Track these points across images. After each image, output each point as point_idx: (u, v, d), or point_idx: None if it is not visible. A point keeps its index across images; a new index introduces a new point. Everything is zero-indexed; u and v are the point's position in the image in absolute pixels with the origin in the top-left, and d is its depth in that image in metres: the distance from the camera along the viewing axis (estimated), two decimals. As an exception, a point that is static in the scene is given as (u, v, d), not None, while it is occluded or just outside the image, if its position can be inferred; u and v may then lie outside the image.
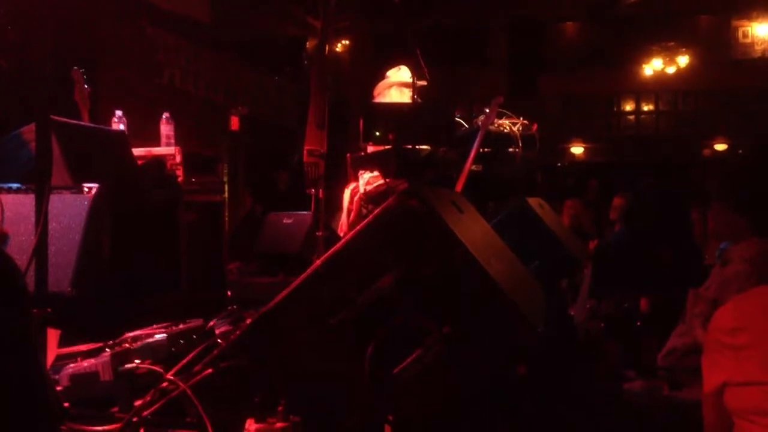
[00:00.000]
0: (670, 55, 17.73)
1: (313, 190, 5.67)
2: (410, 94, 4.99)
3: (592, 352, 3.59)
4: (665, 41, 17.67)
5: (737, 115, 18.78)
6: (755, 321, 1.79)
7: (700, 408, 1.97)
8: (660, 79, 18.33)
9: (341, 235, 5.14)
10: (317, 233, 5.28)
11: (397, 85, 5.18)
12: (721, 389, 1.82)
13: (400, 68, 5.27)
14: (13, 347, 1.24)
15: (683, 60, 17.85)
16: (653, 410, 2.60)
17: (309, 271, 2.51)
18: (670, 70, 17.89)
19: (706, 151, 19.77)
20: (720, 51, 18.96)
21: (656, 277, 4.17)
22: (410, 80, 4.97)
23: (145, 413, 2.47)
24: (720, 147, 19.64)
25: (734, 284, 2.61)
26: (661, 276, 4.11)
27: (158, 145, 5.14)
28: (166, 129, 5.20)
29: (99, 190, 3.78)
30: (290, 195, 9.91)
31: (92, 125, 4.74)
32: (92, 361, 2.73)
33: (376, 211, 2.51)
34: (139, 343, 2.84)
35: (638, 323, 3.90)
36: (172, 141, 5.18)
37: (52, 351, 2.94)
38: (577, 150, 20.93)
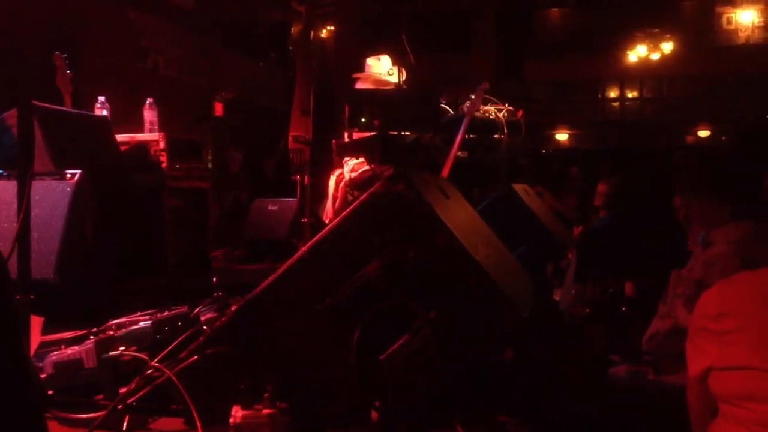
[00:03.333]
0: (654, 41, 17.78)
1: (298, 177, 5.64)
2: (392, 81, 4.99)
3: (577, 337, 3.60)
4: (650, 27, 17.72)
5: (721, 101, 18.87)
6: (740, 306, 1.79)
7: (684, 392, 1.98)
8: (644, 65, 18.39)
9: (327, 221, 5.12)
10: (303, 220, 5.26)
11: (374, 80, 5.18)
12: (705, 374, 1.82)
13: (380, 58, 5.25)
14: None
15: (667, 46, 17.90)
16: (638, 395, 2.61)
17: (295, 257, 2.50)
18: (655, 56, 17.94)
19: (690, 137, 19.87)
20: (704, 37, 19.01)
21: (641, 262, 4.19)
22: (388, 75, 4.97)
23: (131, 400, 2.46)
24: (703, 133, 19.74)
25: (718, 266, 2.62)
26: (646, 261, 4.13)
27: (142, 130, 5.10)
28: (149, 115, 5.16)
29: (82, 176, 3.75)
30: (276, 181, 9.90)
31: (75, 111, 4.69)
32: (76, 348, 2.71)
33: (362, 197, 2.51)
34: (123, 331, 2.83)
35: (623, 308, 3.92)
36: (156, 127, 5.14)
37: (36, 338, 2.91)
38: (562, 136, 20.98)
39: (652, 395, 2.62)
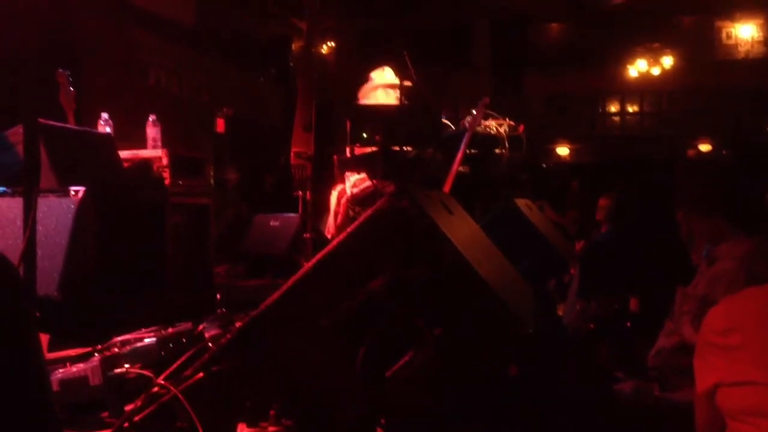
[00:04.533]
0: (654, 56, 17.85)
1: (300, 192, 5.66)
2: (396, 95, 4.98)
3: (582, 353, 3.59)
4: (649, 42, 17.80)
5: (721, 115, 18.91)
6: (747, 321, 1.80)
7: (691, 409, 1.97)
8: (644, 79, 18.45)
9: (329, 237, 5.13)
10: (305, 235, 5.27)
11: (382, 87, 5.18)
12: (713, 390, 1.82)
13: (383, 69, 5.27)
14: (18, 346, 1.22)
15: (667, 61, 17.97)
16: (644, 411, 2.61)
17: (299, 273, 2.50)
18: (655, 71, 18.00)
19: (691, 152, 19.90)
20: (704, 52, 19.08)
21: (645, 276, 4.19)
22: (395, 81, 4.96)
23: (136, 418, 2.45)
24: (704, 147, 19.77)
25: (723, 282, 2.62)
26: (649, 275, 4.13)
27: (145, 147, 5.11)
28: (152, 131, 5.17)
29: (85, 193, 3.76)
30: (277, 197, 9.91)
31: (78, 128, 4.71)
32: (81, 365, 2.70)
33: (366, 213, 2.51)
34: (128, 348, 2.82)
35: (628, 323, 3.92)
36: (159, 143, 5.16)
37: (40, 356, 2.91)
38: (563, 150, 21.01)
39: (658, 412, 2.61)
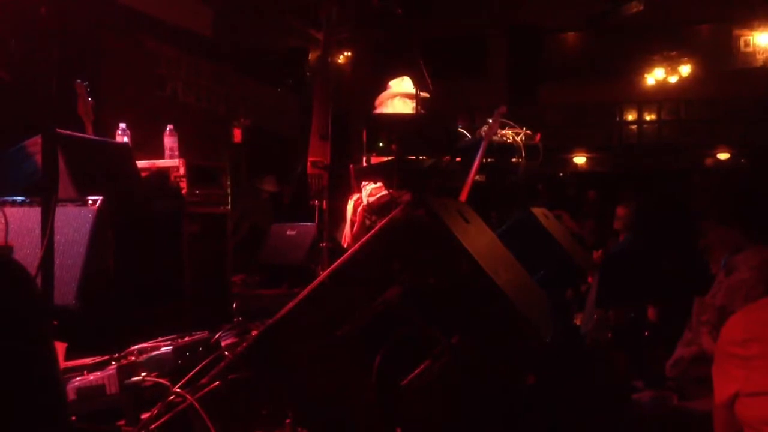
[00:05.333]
0: (672, 64, 17.74)
1: (316, 202, 5.67)
2: (414, 104, 4.98)
3: (599, 362, 3.57)
4: (667, 51, 17.70)
5: (739, 123, 18.77)
6: (765, 331, 1.78)
7: (709, 418, 1.96)
8: (662, 88, 18.34)
9: (345, 246, 5.13)
10: (321, 244, 5.27)
11: (400, 96, 5.18)
12: (732, 400, 1.80)
13: (403, 79, 5.27)
14: (33, 360, 1.23)
15: (685, 69, 17.87)
16: (662, 421, 2.59)
17: (315, 282, 2.50)
18: (672, 79, 17.90)
19: (709, 160, 19.77)
20: (722, 60, 18.97)
21: (663, 286, 4.16)
22: (414, 91, 4.96)
23: (153, 426, 2.46)
24: (723, 156, 19.63)
25: (741, 292, 2.60)
26: (668, 285, 4.10)
27: (162, 157, 5.14)
28: (169, 141, 5.21)
29: (103, 202, 3.78)
30: (293, 207, 9.93)
31: (96, 138, 4.74)
32: (98, 374, 2.71)
33: (382, 222, 2.50)
34: (145, 356, 2.83)
35: (646, 333, 3.89)
36: (176, 153, 5.19)
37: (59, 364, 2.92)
38: (580, 160, 20.93)
39: (677, 421, 2.59)
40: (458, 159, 4.93)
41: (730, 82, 18.50)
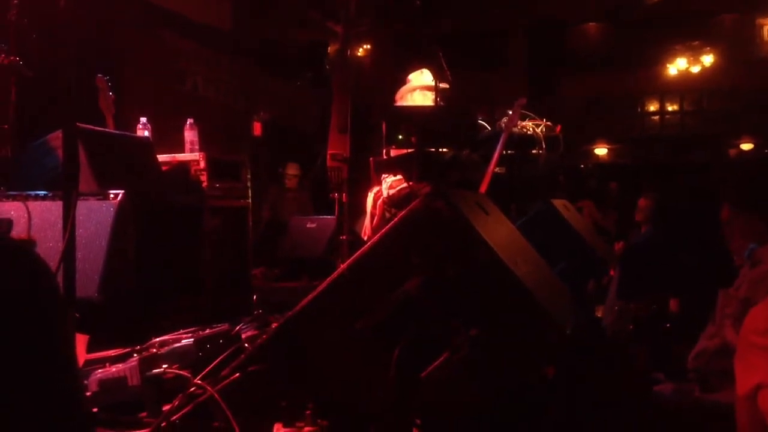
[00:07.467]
0: (694, 54, 17.57)
1: (336, 195, 5.67)
2: (433, 97, 4.97)
3: (621, 354, 3.55)
4: (689, 40, 17.52)
5: (763, 113, 18.54)
6: (789, 322, 1.76)
7: (732, 410, 1.94)
8: (684, 78, 18.16)
9: (365, 239, 5.13)
10: (341, 237, 5.27)
11: (420, 89, 5.16)
12: (755, 391, 1.78)
13: (422, 72, 5.25)
14: (51, 351, 1.24)
15: (708, 59, 17.68)
16: (684, 413, 2.57)
17: (335, 275, 2.50)
18: (695, 69, 17.72)
19: (732, 151, 19.55)
20: (745, 49, 18.73)
21: (685, 278, 4.13)
22: (433, 83, 4.95)
23: (174, 418, 2.48)
24: (746, 146, 19.41)
25: (765, 283, 2.58)
26: (689, 277, 4.07)
27: (182, 151, 5.16)
28: (190, 135, 5.23)
29: (124, 196, 3.80)
30: (313, 199, 9.95)
31: (117, 132, 4.77)
32: (120, 366, 2.74)
33: (401, 214, 2.50)
34: (166, 348, 2.85)
35: (667, 325, 3.86)
36: (196, 147, 5.21)
37: (81, 356, 2.95)
38: (601, 151, 20.78)
39: (699, 413, 2.57)
40: (478, 151, 4.91)
41: (754, 72, 18.27)
